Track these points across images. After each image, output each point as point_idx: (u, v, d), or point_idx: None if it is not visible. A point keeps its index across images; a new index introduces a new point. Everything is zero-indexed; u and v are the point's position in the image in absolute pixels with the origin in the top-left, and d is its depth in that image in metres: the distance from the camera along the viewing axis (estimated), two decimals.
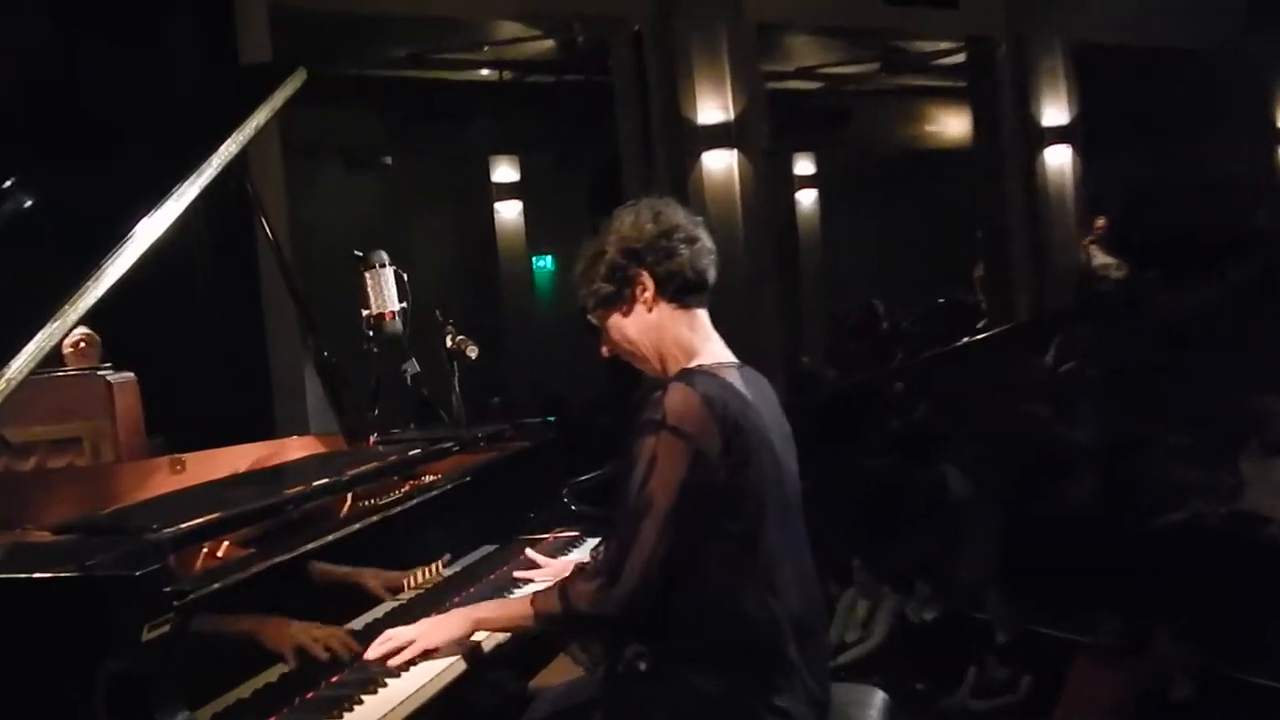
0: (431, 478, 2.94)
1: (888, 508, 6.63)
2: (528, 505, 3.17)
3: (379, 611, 2.45)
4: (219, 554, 2.24)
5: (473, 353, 3.14)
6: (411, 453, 2.90)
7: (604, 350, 2.34)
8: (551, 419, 3.35)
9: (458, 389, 3.26)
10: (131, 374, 4.37)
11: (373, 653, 2.24)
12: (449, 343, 3.20)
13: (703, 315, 2.29)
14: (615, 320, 2.28)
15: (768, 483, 2.13)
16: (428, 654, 2.23)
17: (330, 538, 2.36)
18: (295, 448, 3.20)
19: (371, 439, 3.13)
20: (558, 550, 2.99)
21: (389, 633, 2.28)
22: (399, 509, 2.59)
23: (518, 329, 10.83)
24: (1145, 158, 9.83)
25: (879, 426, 7.64)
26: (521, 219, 11.11)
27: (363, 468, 2.69)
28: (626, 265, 2.23)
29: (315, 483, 2.52)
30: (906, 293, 11.29)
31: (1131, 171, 9.91)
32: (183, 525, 2.12)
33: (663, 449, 2.06)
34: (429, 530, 2.72)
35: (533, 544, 3.03)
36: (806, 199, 12.67)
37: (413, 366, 3.30)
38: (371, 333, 3.11)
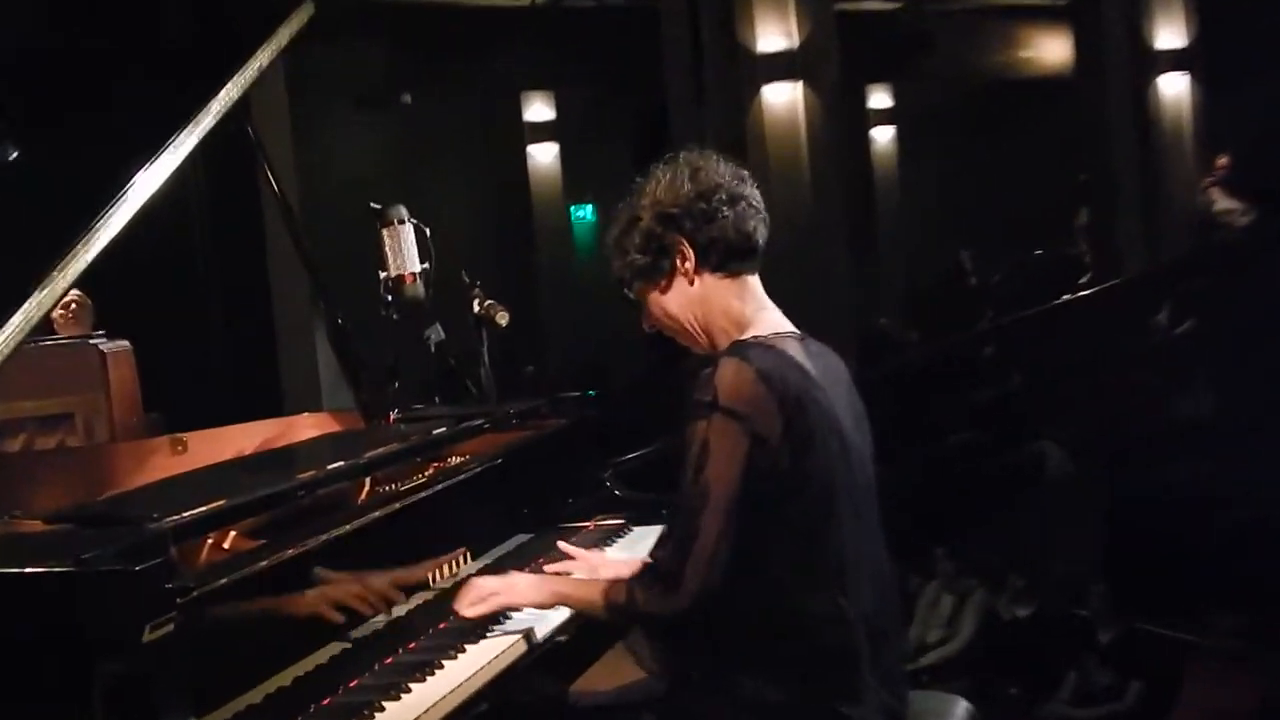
0: (458, 460, 2.99)
1: (975, 490, 6.63)
2: (565, 490, 3.22)
3: (401, 609, 2.50)
4: (225, 545, 2.30)
5: (503, 319, 3.18)
6: (436, 432, 2.95)
7: (645, 326, 2.38)
8: (592, 393, 3.39)
9: (487, 360, 3.30)
10: (126, 342, 4.45)
11: (459, 603, 2.38)
12: (476, 307, 3.24)
13: (753, 282, 2.31)
14: (655, 296, 2.32)
15: (836, 467, 2.15)
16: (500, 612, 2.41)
17: (347, 527, 2.40)
18: (306, 426, 3.26)
19: (391, 416, 3.19)
20: (599, 540, 3.03)
21: (474, 580, 2.42)
22: (422, 495, 2.64)
23: (554, 289, 10.88)
24: (1276, 88, 9.65)
25: (966, 397, 7.63)
26: (558, 163, 11.12)
27: (382, 449, 2.74)
28: (663, 233, 2.26)
29: (329, 466, 2.57)
30: (998, 244, 11.21)
31: (1260, 103, 9.74)
32: (186, 514, 2.18)
33: (716, 434, 2.09)
34: (456, 518, 2.77)
35: (571, 534, 3.08)
36: (882, 137, 12.60)
37: (437, 333, 3.35)
38: (390, 297, 3.16)
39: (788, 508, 2.13)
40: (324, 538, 2.34)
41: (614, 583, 2.27)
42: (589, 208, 11.70)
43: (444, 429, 2.98)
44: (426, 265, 3.18)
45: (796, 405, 2.12)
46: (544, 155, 11.13)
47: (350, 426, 3.23)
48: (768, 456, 2.10)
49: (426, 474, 2.84)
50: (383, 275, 3.15)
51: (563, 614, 2.49)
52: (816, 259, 7.48)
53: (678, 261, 2.27)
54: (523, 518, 3.06)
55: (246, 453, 3.08)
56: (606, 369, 8.08)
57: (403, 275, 3.12)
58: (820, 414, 2.16)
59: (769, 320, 2.28)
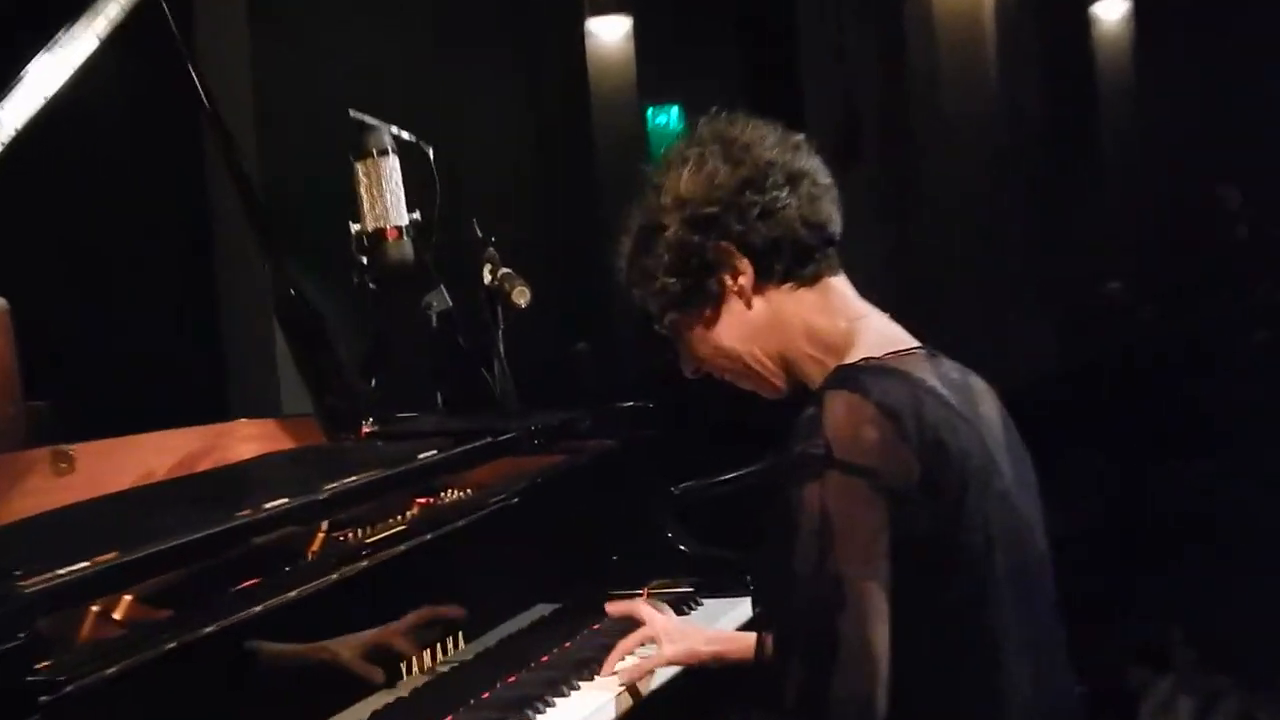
0: (456, 496, 3.06)
1: (1230, 547, 6.56)
2: (609, 543, 3.29)
3: (363, 710, 2.55)
4: (118, 617, 2.36)
5: (521, 297, 3.22)
6: (423, 456, 3.00)
7: (688, 370, 2.43)
8: (649, 406, 3.43)
9: (501, 350, 3.35)
10: (2, 301, 4.54)
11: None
12: (488, 276, 3.29)
13: (840, 285, 2.35)
14: (699, 330, 2.37)
15: (992, 526, 2.19)
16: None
17: (291, 594, 2.46)
18: (243, 439, 3.36)
19: (365, 428, 3.26)
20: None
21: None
22: (401, 547, 2.70)
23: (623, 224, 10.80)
24: None
25: (1226, 396, 7.53)
26: (630, 48, 11.07)
27: (346, 480, 2.80)
28: (701, 243, 2.30)
29: (270, 504, 2.63)
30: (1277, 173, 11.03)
31: None
32: (62, 572, 2.23)
33: (836, 497, 2.11)
34: (448, 581, 2.82)
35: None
36: (1109, 17, 12.45)
37: (440, 300, 3.40)
38: (365, 259, 3.22)
39: (932, 586, 2.16)
40: (257, 609, 2.39)
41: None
42: (673, 110, 11.65)
43: (436, 451, 3.03)
44: (418, 215, 3.22)
45: (936, 448, 2.15)
46: (610, 34, 11.00)
47: (305, 442, 3.32)
48: (905, 517, 2.13)
49: (409, 516, 2.91)
50: (355, 228, 3.20)
51: None
52: (1002, 200, 7.43)
53: (728, 279, 2.31)
54: (546, 581, 3.11)
55: (156, 476, 3.16)
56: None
57: (383, 229, 3.17)
58: (968, 453, 2.18)
59: (877, 333, 2.31)
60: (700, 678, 2.70)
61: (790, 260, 2.31)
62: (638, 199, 2.39)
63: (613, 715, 2.67)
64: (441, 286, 3.40)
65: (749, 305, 2.32)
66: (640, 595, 3.18)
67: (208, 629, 2.31)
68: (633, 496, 3.33)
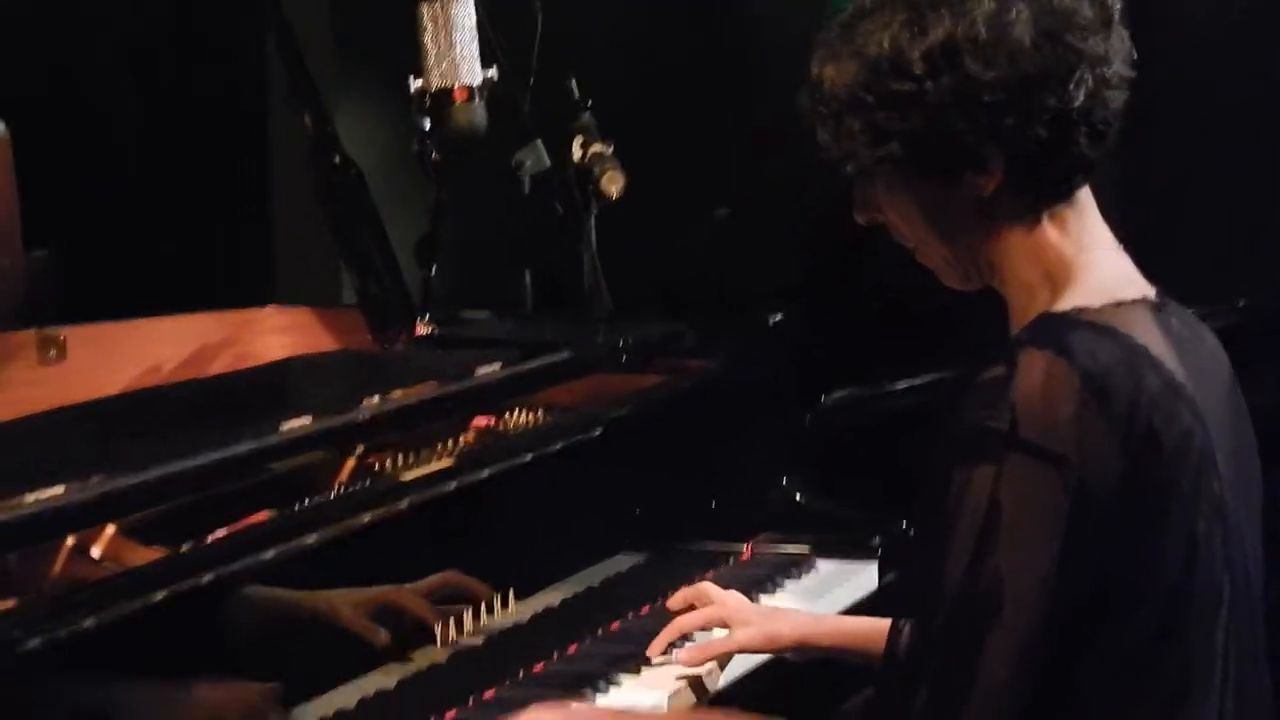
0: (524, 418, 3.03)
1: None
2: (709, 488, 3.25)
3: (389, 678, 2.54)
4: (95, 554, 2.35)
5: (613, 186, 3.15)
6: (484, 371, 2.97)
7: (860, 217, 2.28)
8: (778, 316, 3.37)
9: (593, 242, 3.30)
10: (1, 125, 4.54)
11: None
12: (577, 152, 3.23)
13: (1084, 199, 2.22)
14: (906, 202, 2.22)
15: (1198, 539, 2.11)
16: None
17: (309, 539, 2.44)
18: (272, 330, 3.35)
19: (419, 327, 3.23)
20: (758, 579, 3.07)
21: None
22: (449, 486, 2.67)
23: (780, 76, 10.68)
24: None
25: None
26: None
27: (387, 399, 2.79)
28: (962, 133, 2.13)
29: (289, 424, 2.62)
30: None
31: None
32: (29, 500, 2.24)
33: (1012, 487, 2.04)
34: (507, 524, 2.81)
35: (713, 563, 3.12)
36: None
37: (536, 159, 3.35)
38: (427, 123, 3.17)
39: (1122, 604, 2.09)
40: (267, 554, 2.38)
41: None
42: None
43: (499, 365, 3.00)
44: (492, 73, 3.16)
45: (1148, 440, 2.06)
46: None
47: (346, 339, 3.31)
48: (1090, 525, 2.05)
49: (462, 443, 2.88)
50: (415, 85, 3.15)
51: None
52: None
53: (971, 177, 2.17)
54: (630, 529, 3.09)
55: (161, 371, 3.15)
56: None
57: (449, 89, 3.12)
58: (1185, 450, 2.10)
59: (1103, 271, 2.20)
60: (786, 673, 2.66)
61: (1055, 175, 2.18)
62: (882, 7, 2.18)
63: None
64: (538, 142, 3.35)
65: (980, 210, 2.19)
66: (742, 552, 3.21)
67: (205, 576, 2.29)
68: (742, 432, 3.27)
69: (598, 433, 2.98)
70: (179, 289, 3.64)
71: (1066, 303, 2.15)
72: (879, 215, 2.28)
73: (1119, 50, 2.17)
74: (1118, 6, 2.19)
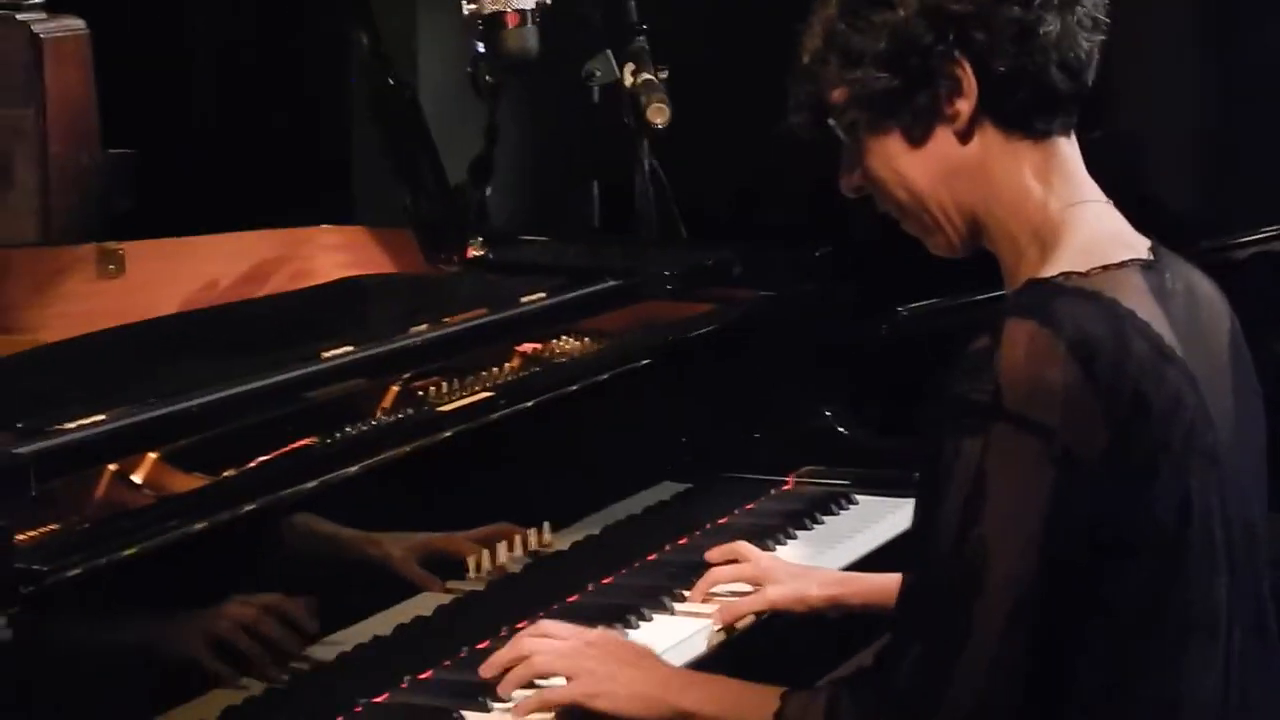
0: (570, 344, 3.04)
1: None
2: (754, 419, 3.25)
3: (428, 603, 2.57)
4: (137, 479, 2.36)
5: (659, 117, 3.13)
6: (529, 299, 2.98)
7: (846, 187, 2.30)
8: (827, 248, 3.36)
9: (647, 167, 3.28)
10: (80, 23, 4.53)
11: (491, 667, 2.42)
12: (629, 78, 3.21)
13: (1068, 150, 2.22)
14: (888, 147, 2.23)
15: (1191, 495, 2.10)
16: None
17: (352, 469, 2.45)
18: (326, 248, 3.34)
19: (470, 249, 3.24)
20: (795, 514, 3.08)
21: (541, 626, 2.48)
22: (492, 416, 2.69)
23: None
24: None
25: None
26: None
27: (434, 326, 2.81)
28: (933, 44, 2.15)
29: (333, 352, 2.63)
30: None
31: None
32: (71, 426, 2.24)
33: (999, 459, 2.04)
34: (549, 455, 2.82)
35: (754, 494, 3.14)
36: None
37: (606, 68, 3.34)
38: (481, 46, 3.15)
39: (1098, 571, 2.09)
40: (309, 485, 2.39)
41: (796, 696, 2.24)
42: None
43: (545, 294, 3.00)
44: None
45: (1134, 405, 2.05)
46: None
47: (397, 258, 3.30)
48: (1076, 493, 2.05)
49: (506, 371, 2.90)
50: (469, 8, 3.12)
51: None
52: None
53: (945, 99, 2.18)
54: (674, 458, 3.10)
55: (217, 288, 3.16)
56: None
57: (501, 13, 3.10)
58: (1174, 408, 2.08)
59: (1090, 229, 2.19)
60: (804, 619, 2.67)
61: (1027, 102, 2.18)
62: None
63: (702, 649, 2.63)
64: (609, 53, 3.35)
65: (961, 140, 2.20)
66: (785, 483, 3.22)
67: (246, 506, 2.30)
68: (787, 364, 3.27)
69: (644, 363, 2.99)
70: (246, 199, 3.62)
71: (1054, 266, 2.14)
72: (865, 180, 2.28)
73: None
74: None
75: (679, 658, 2.53)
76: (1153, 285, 2.16)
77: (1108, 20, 2.22)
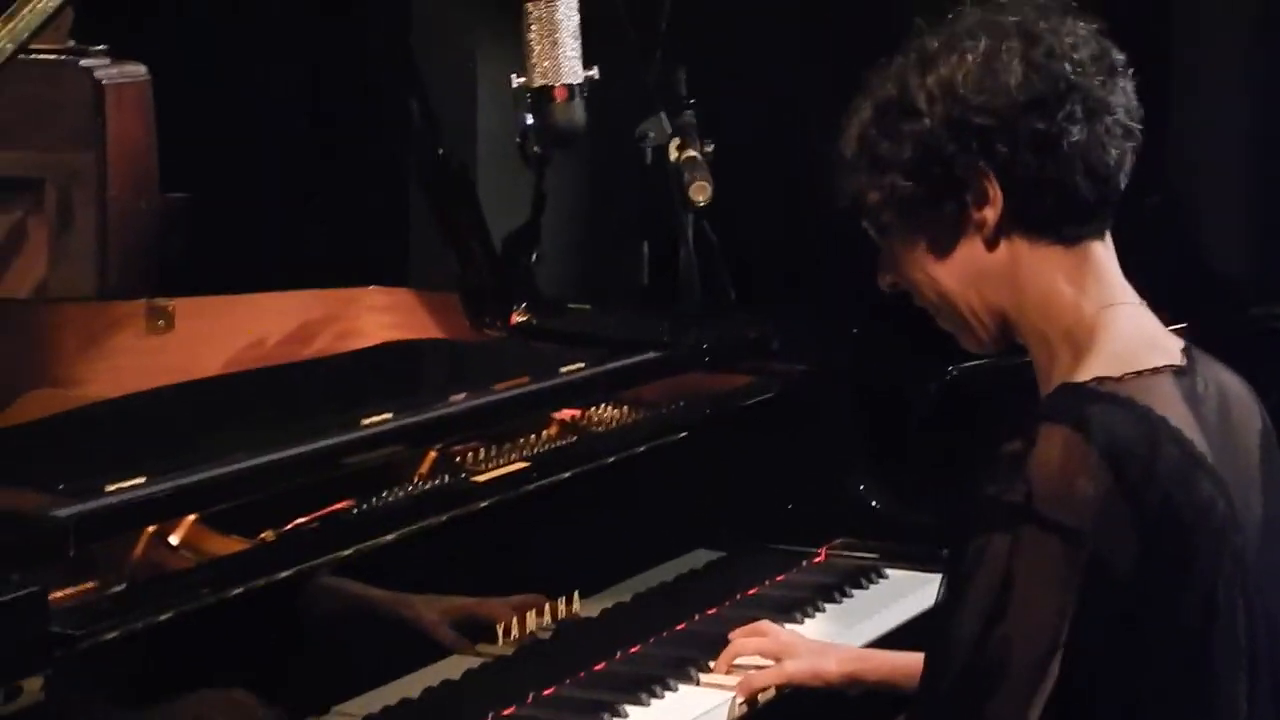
0: (607, 413, 3.08)
1: None
2: (787, 491, 3.27)
3: (454, 668, 2.59)
4: (174, 541, 2.40)
5: (700, 195, 3.13)
6: (567, 370, 3.01)
7: (883, 283, 2.34)
8: (866, 321, 3.37)
9: (690, 238, 3.30)
10: (141, 69, 4.55)
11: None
12: (674, 153, 3.23)
13: (1101, 254, 2.23)
14: (917, 255, 2.26)
15: (1218, 594, 2.11)
16: None
17: (388, 538, 2.49)
18: (372, 309, 3.38)
19: (515, 314, 3.28)
20: (826, 587, 3.10)
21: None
22: (529, 487, 2.72)
23: None
24: None
25: None
26: None
27: (474, 394, 2.84)
28: (956, 153, 2.17)
29: (373, 419, 2.66)
30: None
31: None
32: (113, 487, 2.28)
33: (1027, 559, 2.06)
34: (582, 524, 2.84)
35: (784, 565, 3.16)
36: None
37: (660, 130, 3.34)
38: (529, 119, 3.18)
39: (1139, 692, 2.11)
40: (345, 553, 2.44)
41: None
42: None
43: (585, 365, 3.04)
44: (595, 71, 3.16)
45: (1165, 513, 2.06)
46: None
47: (443, 322, 3.34)
48: (1108, 598, 2.06)
49: (544, 439, 2.93)
50: (517, 82, 3.16)
51: None
52: None
53: (972, 207, 2.20)
54: (710, 526, 3.13)
55: (265, 345, 3.20)
56: None
57: (550, 88, 3.12)
58: (1204, 514, 2.10)
59: (1123, 334, 2.19)
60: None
61: (1053, 210, 2.19)
62: (899, 60, 2.26)
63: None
64: (662, 115, 3.33)
65: (988, 247, 2.21)
66: (817, 555, 3.24)
67: (281, 574, 2.34)
68: (822, 436, 3.29)
69: (681, 436, 3.01)
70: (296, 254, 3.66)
71: (1087, 370, 2.15)
72: (899, 278, 2.31)
73: (1122, 102, 2.20)
74: (1121, 59, 2.22)
75: None
76: (1185, 391, 2.16)
77: (1140, 127, 2.22)
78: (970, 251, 2.22)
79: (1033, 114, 2.15)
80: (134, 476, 2.34)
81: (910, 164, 2.20)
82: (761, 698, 2.67)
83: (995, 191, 2.18)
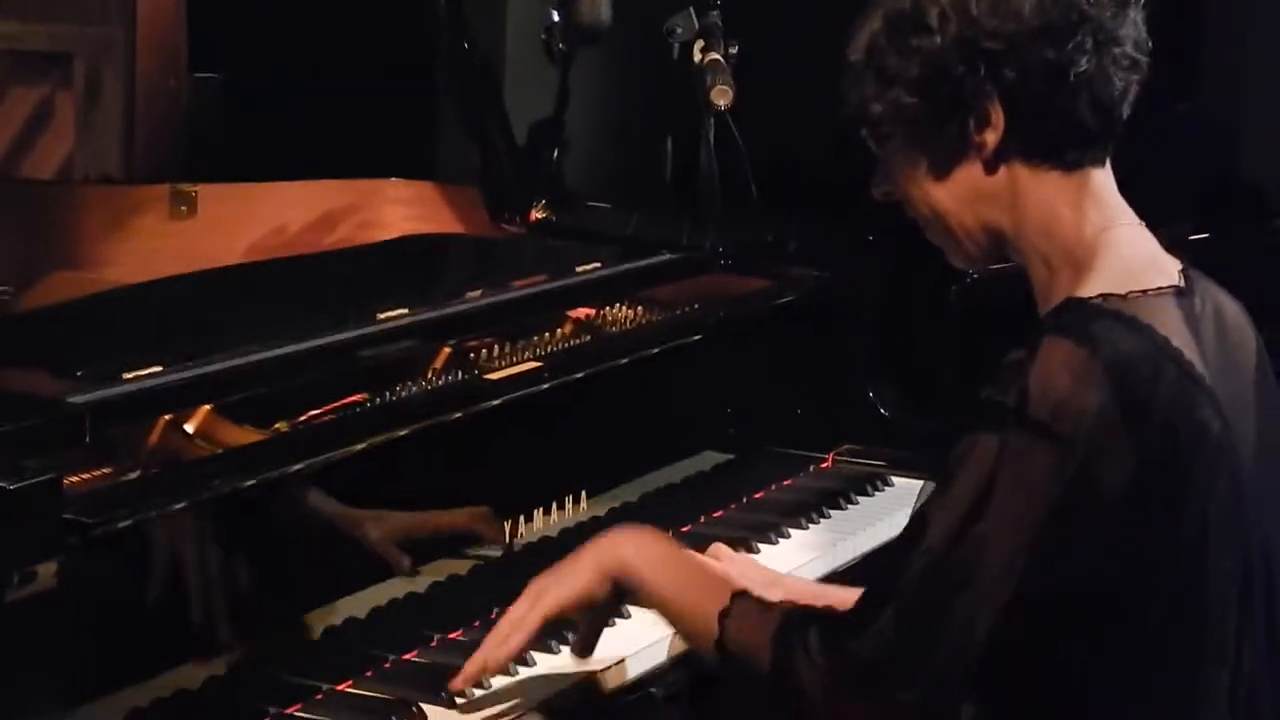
0: (622, 313, 3.10)
1: None
2: (798, 396, 3.29)
3: (461, 566, 2.62)
4: (189, 429, 2.42)
5: (721, 99, 3.11)
6: (583, 269, 3.04)
7: (877, 191, 2.34)
8: (883, 228, 3.37)
9: (711, 140, 3.29)
10: None
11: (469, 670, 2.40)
12: (698, 55, 3.20)
13: (1101, 179, 2.23)
14: (915, 168, 2.26)
15: (1210, 513, 2.11)
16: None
17: (400, 432, 2.50)
18: (393, 201, 3.38)
19: (534, 211, 3.29)
20: (831, 492, 3.12)
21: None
22: (542, 386, 2.74)
23: None
24: None
25: None
26: None
27: (488, 292, 2.88)
28: (964, 75, 2.16)
29: (389, 313, 2.72)
30: None
31: None
32: (130, 375, 2.34)
33: (1013, 463, 2.06)
34: (595, 423, 2.86)
35: (793, 469, 3.19)
36: None
37: (688, 25, 3.33)
38: (555, 14, 3.19)
39: (1125, 609, 2.11)
40: (358, 447, 2.44)
41: (750, 609, 2.27)
42: None
43: (601, 264, 3.07)
44: None
45: (1164, 434, 2.06)
46: None
47: (463, 216, 3.35)
48: (1101, 516, 2.06)
49: (558, 337, 2.95)
50: None
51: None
52: None
53: (973, 130, 2.20)
54: (720, 428, 3.15)
55: (285, 233, 3.21)
56: None
57: None
58: (1202, 434, 2.10)
59: (1124, 253, 2.19)
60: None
61: (1055, 137, 2.19)
62: None
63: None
64: (691, 10, 3.31)
65: (987, 170, 2.21)
66: (824, 461, 3.27)
67: (293, 466, 2.36)
68: (834, 342, 3.31)
69: (694, 339, 3.03)
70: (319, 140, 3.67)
71: (1091, 287, 2.15)
72: (895, 190, 2.31)
73: (1131, 34, 2.19)
74: None
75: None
76: (1185, 312, 2.17)
77: (1148, 58, 2.22)
78: (969, 172, 2.22)
79: (1043, 41, 2.15)
80: (151, 364, 2.38)
81: (917, 81, 2.19)
82: None
83: (999, 116, 2.17)
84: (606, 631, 2.46)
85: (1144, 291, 2.15)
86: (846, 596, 2.47)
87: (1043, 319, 2.18)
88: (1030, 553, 2.07)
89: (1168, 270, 2.21)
